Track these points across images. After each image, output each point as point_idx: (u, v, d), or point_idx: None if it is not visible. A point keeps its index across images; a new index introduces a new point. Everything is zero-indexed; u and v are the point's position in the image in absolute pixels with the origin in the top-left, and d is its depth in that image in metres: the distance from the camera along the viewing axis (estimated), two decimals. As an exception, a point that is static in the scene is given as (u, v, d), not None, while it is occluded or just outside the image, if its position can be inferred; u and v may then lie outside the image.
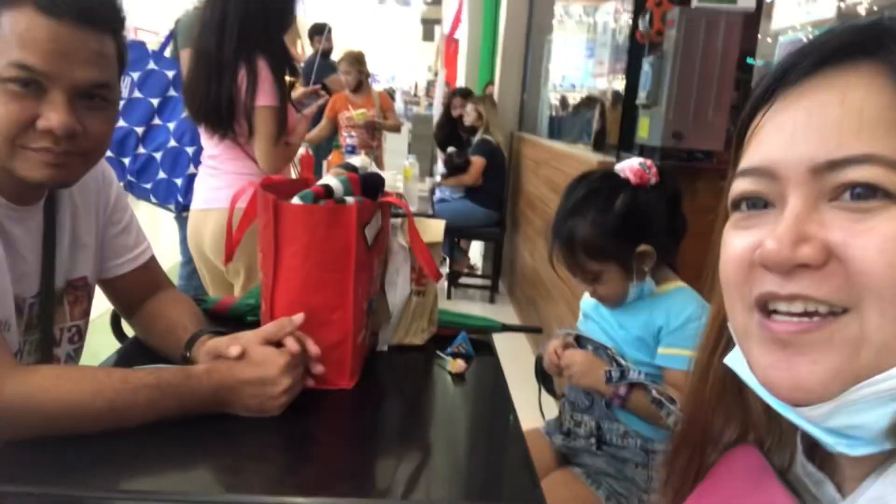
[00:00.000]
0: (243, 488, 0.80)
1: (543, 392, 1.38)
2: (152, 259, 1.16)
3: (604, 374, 1.15)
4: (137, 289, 1.13)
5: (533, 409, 1.35)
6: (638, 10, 2.39)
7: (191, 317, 1.07)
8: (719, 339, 0.52)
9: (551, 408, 1.41)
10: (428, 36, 14.62)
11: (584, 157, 2.80)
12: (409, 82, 15.92)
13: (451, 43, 9.01)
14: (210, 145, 1.93)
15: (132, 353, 1.10)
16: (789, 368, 0.41)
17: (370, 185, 1.07)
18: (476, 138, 4.22)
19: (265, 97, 1.78)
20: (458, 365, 1.12)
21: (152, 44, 2.61)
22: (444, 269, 4.38)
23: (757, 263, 0.42)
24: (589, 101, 3.77)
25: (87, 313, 1.06)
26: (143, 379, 0.85)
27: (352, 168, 1.11)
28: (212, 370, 0.89)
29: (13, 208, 0.90)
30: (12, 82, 0.79)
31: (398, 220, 1.15)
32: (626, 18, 2.87)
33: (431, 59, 13.82)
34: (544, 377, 1.35)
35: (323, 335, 0.98)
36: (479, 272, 4.84)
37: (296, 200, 0.97)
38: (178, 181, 2.41)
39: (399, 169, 3.58)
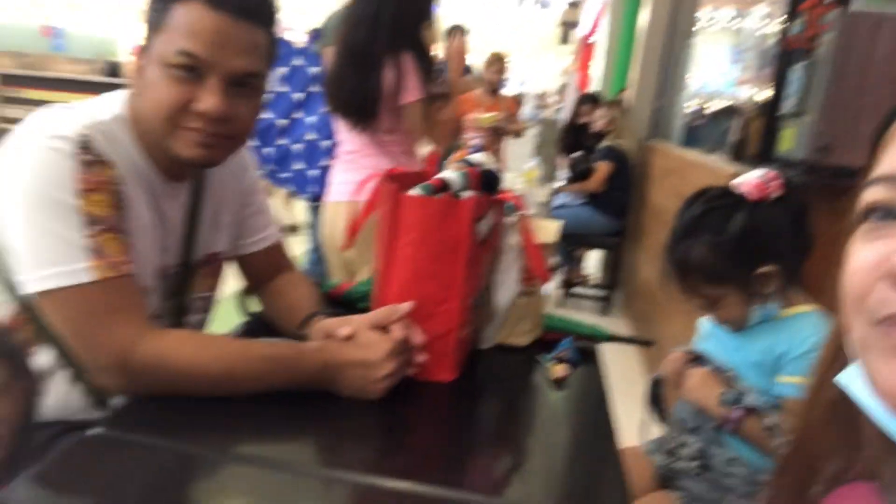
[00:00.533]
0: (341, 465, 0.83)
1: (650, 415, 1.32)
2: (279, 241, 1.24)
3: (719, 394, 1.09)
4: (264, 267, 1.20)
5: (634, 428, 1.30)
6: (790, 14, 2.24)
7: (309, 297, 1.13)
8: (835, 359, 0.49)
9: (655, 433, 1.35)
10: (565, 39, 14.45)
11: (714, 166, 2.66)
12: (541, 86, 15.82)
13: (586, 47, 8.86)
14: (349, 139, 2.02)
15: (254, 328, 1.18)
16: None
17: (488, 181, 1.08)
18: (603, 144, 4.12)
19: (412, 93, 1.85)
20: (559, 371, 1.10)
21: (298, 41, 2.77)
22: (559, 276, 4.32)
23: (885, 276, 0.40)
24: (729, 110, 3.57)
25: (217, 286, 1.15)
26: (260, 350, 0.92)
27: (471, 164, 1.12)
28: (322, 348, 0.94)
29: (166, 184, 0.99)
30: (177, 68, 0.87)
31: (512, 219, 1.15)
32: (775, 23, 2.69)
33: (566, 63, 13.65)
34: (656, 401, 1.30)
35: (429, 326, 1.00)
36: (595, 283, 4.72)
37: (415, 191, 1.00)
38: (314, 172, 2.54)
39: (520, 172, 3.57)
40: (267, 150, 2.52)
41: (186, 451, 0.80)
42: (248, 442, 0.85)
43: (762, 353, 1.10)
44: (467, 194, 1.01)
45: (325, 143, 2.45)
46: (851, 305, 0.44)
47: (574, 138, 4.53)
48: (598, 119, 4.14)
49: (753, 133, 2.95)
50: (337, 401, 0.93)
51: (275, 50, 0.98)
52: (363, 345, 0.93)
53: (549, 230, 1.20)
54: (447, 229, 0.98)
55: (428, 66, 1.92)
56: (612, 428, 0.96)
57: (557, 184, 4.35)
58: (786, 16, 2.36)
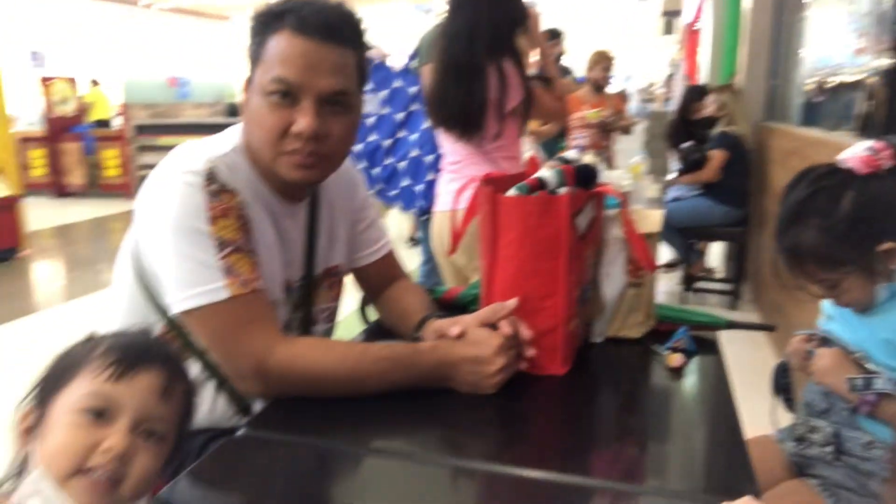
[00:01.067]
0: (463, 455, 0.88)
1: (778, 403, 1.27)
2: (391, 252, 1.31)
3: (847, 380, 1.03)
4: (379, 277, 1.28)
5: (763, 417, 1.25)
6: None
7: (422, 303, 1.20)
8: None
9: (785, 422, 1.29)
10: (668, 29, 13.97)
11: (838, 143, 2.48)
12: (646, 79, 15.35)
13: (691, 34, 8.52)
14: (452, 151, 2.09)
15: (375, 334, 1.26)
16: None
17: (584, 176, 1.09)
18: (715, 131, 3.95)
19: (515, 98, 1.91)
20: (676, 359, 1.09)
21: (396, 65, 2.90)
22: (679, 272, 4.16)
23: None
24: (851, 83, 3.32)
25: (339, 297, 1.24)
26: (379, 352, 0.98)
27: (566, 161, 1.14)
28: (436, 347, 0.99)
29: (285, 205, 1.09)
30: (274, 94, 0.96)
31: (614, 211, 1.16)
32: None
33: (671, 54, 13.17)
34: (784, 387, 1.24)
35: (536, 321, 1.03)
36: (719, 276, 4.51)
37: (511, 192, 1.03)
38: (420, 187, 2.64)
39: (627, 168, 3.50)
40: (375, 171, 2.65)
41: (322, 447, 0.88)
42: (378, 436, 0.92)
43: (893, 330, 1.03)
44: (563, 191, 1.04)
45: (428, 159, 2.54)
46: None
47: (684, 129, 4.38)
48: (708, 106, 3.98)
49: (879, 104, 2.74)
50: (456, 396, 0.98)
51: (365, 68, 1.05)
52: (474, 342, 0.98)
53: (651, 220, 1.19)
54: (546, 226, 1.00)
55: (524, 70, 1.97)
56: (736, 415, 0.94)
57: (670, 176, 4.20)
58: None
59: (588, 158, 1.27)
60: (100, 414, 0.70)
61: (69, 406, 0.71)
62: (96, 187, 8.88)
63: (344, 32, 0.99)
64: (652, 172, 6.54)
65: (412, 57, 2.92)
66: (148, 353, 0.76)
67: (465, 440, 0.93)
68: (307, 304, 1.16)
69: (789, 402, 1.24)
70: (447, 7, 2.02)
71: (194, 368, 1.06)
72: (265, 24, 0.98)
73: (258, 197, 1.05)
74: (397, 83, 2.68)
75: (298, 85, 0.96)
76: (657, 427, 0.96)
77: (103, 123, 9.72)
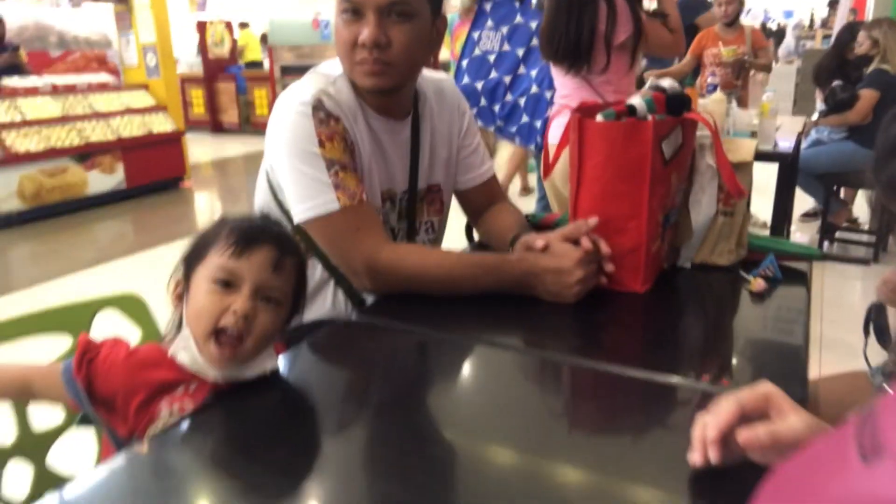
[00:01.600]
0: (552, 349, 1.01)
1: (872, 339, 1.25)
2: (493, 177, 1.42)
3: None
4: (481, 199, 1.40)
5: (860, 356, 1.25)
6: None
7: (518, 223, 1.30)
8: None
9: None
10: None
11: None
12: (805, 13, 13.91)
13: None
14: (562, 84, 2.14)
15: (477, 251, 1.39)
16: None
17: (675, 104, 1.13)
18: (870, 69, 3.62)
19: (624, 31, 1.92)
20: (759, 284, 1.12)
21: None
22: (818, 221, 3.92)
23: None
24: None
25: (440, 212, 1.37)
26: (473, 259, 1.11)
27: (660, 89, 1.17)
28: (522, 258, 1.10)
29: (384, 121, 1.22)
30: (344, 13, 1.09)
31: (707, 140, 1.19)
32: None
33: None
34: (879, 326, 1.23)
35: (619, 241, 1.10)
36: (865, 227, 4.19)
37: (599, 118, 1.10)
38: (538, 123, 2.70)
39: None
40: (495, 107, 2.73)
41: (423, 333, 1.03)
42: (471, 328, 1.05)
43: None
44: (650, 118, 1.08)
45: (547, 94, 2.59)
46: None
47: (838, 69, 4.03)
48: (861, 43, 3.64)
49: None
50: (540, 303, 1.09)
51: None
52: (556, 254, 1.07)
53: (745, 149, 1.20)
54: (630, 151, 1.06)
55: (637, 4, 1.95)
56: (807, 343, 0.97)
57: (813, 117, 3.92)
58: None
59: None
60: (227, 284, 0.86)
61: (204, 277, 0.87)
62: (249, 125, 9.59)
63: None
64: (801, 114, 6.06)
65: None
66: (262, 233, 0.89)
67: (547, 337, 1.04)
68: (411, 215, 1.30)
69: (884, 341, 1.23)
70: None
71: (317, 269, 1.24)
72: None
73: (359, 116, 1.18)
74: (518, 19, 2.72)
75: (360, 2, 1.07)
76: (723, 339, 1.02)
77: (255, 65, 10.40)
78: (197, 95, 9.83)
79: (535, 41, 2.67)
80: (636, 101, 1.12)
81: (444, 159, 1.33)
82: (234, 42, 10.17)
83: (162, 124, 5.91)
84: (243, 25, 11.17)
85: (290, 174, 1.13)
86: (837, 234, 3.99)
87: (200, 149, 8.17)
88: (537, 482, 0.66)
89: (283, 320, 0.91)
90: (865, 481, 0.36)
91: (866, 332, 1.23)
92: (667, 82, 1.19)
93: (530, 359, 0.97)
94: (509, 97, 2.71)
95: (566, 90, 2.11)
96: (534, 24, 2.68)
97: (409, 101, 1.26)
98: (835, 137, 3.66)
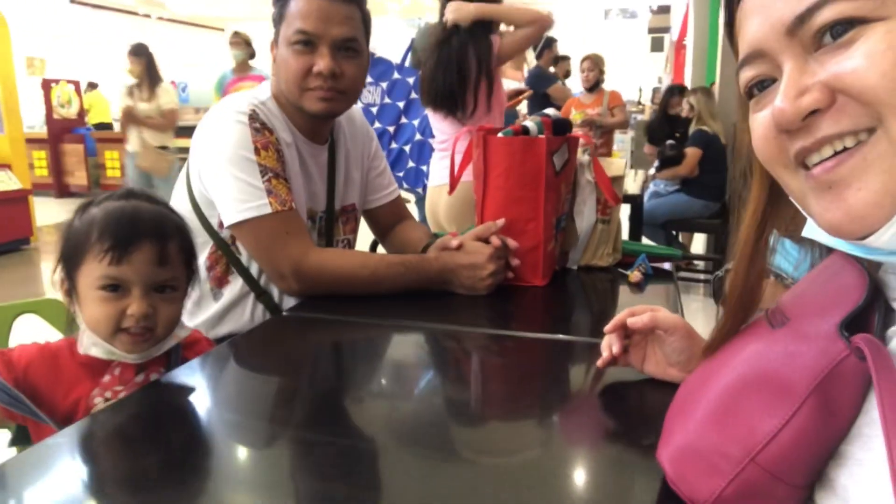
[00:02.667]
0: (463, 324, 1.12)
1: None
2: (399, 197, 1.54)
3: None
4: (389, 216, 1.51)
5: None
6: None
7: (427, 235, 1.43)
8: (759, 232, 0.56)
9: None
10: (656, 46, 14.37)
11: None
12: (634, 92, 15.76)
13: (679, 49, 8.85)
14: (440, 130, 2.34)
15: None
16: (840, 205, 0.43)
17: (559, 126, 1.33)
18: (691, 130, 4.23)
19: (484, 82, 2.16)
20: (636, 276, 1.32)
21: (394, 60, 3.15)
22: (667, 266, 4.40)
23: (779, 128, 0.45)
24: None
25: (354, 230, 1.47)
26: (395, 259, 1.22)
27: (545, 115, 1.38)
28: (438, 256, 1.23)
29: (308, 144, 1.31)
30: (297, 44, 1.19)
31: (585, 159, 1.40)
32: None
33: (659, 70, 13.56)
34: (722, 298, 1.48)
35: (521, 241, 1.26)
36: (701, 266, 4.76)
37: (499, 135, 1.27)
38: (425, 167, 2.89)
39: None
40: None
41: (349, 321, 1.11)
42: (393, 316, 1.13)
43: None
44: (542, 136, 1.27)
45: (431, 141, 2.80)
46: (773, 166, 0.49)
47: (667, 127, 4.66)
48: (683, 107, 4.26)
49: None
50: (455, 297, 1.21)
51: (368, 22, 1.27)
52: (470, 251, 1.21)
53: (616, 166, 1.43)
54: (528, 161, 1.24)
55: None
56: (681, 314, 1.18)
57: (651, 171, 4.48)
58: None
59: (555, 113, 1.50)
60: (115, 288, 0.84)
61: (89, 284, 0.84)
62: (98, 187, 9.05)
63: None
64: (637, 168, 6.81)
65: (407, 52, 3.18)
66: (138, 229, 0.85)
67: (461, 329, 1.16)
68: (329, 234, 1.39)
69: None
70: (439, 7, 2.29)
71: (237, 282, 1.28)
72: None
73: (287, 138, 1.27)
74: (396, 75, 2.94)
75: (316, 34, 1.18)
76: (609, 311, 1.21)
77: (105, 126, 9.92)
78: (39, 157, 9.17)
79: (413, 94, 2.88)
80: (529, 123, 1.31)
81: (357, 181, 1.44)
82: (82, 103, 9.68)
83: (6, 183, 5.48)
84: (92, 86, 10.69)
85: (223, 178, 1.18)
86: (681, 274, 4.50)
87: (45, 211, 7.57)
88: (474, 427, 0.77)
89: (184, 294, 0.93)
90: (774, 336, 0.52)
91: (717, 301, 1.48)
92: (551, 110, 1.40)
93: (456, 333, 1.08)
94: (394, 145, 2.89)
95: (445, 135, 2.32)
96: (411, 80, 2.90)
97: (330, 127, 1.36)
98: (670, 189, 4.20)
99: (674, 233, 4.40)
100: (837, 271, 0.51)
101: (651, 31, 14.58)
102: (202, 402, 0.82)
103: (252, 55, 5.06)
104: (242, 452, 0.69)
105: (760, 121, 0.48)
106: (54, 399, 0.86)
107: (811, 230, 0.49)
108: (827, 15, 0.42)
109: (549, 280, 1.31)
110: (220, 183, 1.19)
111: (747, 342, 0.55)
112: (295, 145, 1.28)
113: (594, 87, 4.69)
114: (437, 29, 2.32)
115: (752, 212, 0.56)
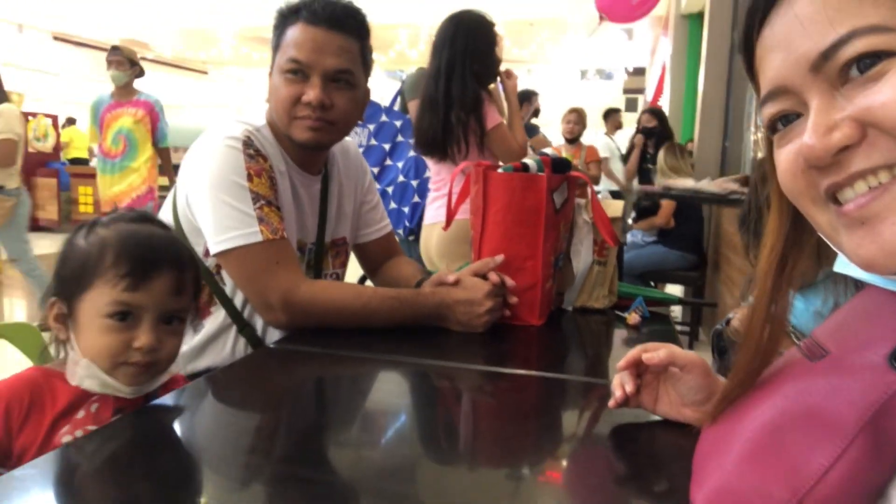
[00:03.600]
0: (457, 361, 1.07)
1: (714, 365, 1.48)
2: (391, 232, 1.51)
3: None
4: (380, 252, 1.48)
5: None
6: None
7: (419, 272, 1.39)
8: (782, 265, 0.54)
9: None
10: (631, 107, 14.80)
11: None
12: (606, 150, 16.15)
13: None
14: (435, 171, 2.34)
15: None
16: (874, 239, 0.42)
17: (559, 165, 1.32)
18: (656, 183, 4.30)
19: (492, 119, 2.17)
20: (634, 318, 1.30)
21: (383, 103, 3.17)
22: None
23: (806, 163, 0.44)
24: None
25: (344, 265, 1.42)
26: (389, 292, 1.18)
27: (545, 154, 1.37)
28: (435, 291, 1.19)
29: (301, 174, 1.28)
30: (288, 73, 1.17)
31: (583, 200, 1.38)
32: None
33: (632, 129, 13.97)
34: (721, 351, 1.45)
35: (518, 278, 1.23)
36: (678, 318, 4.77)
37: (500, 171, 1.25)
38: (406, 209, 2.87)
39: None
40: None
41: (338, 354, 1.06)
42: (384, 351, 1.08)
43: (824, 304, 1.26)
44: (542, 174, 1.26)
45: (413, 183, 2.78)
46: (801, 201, 0.47)
47: (643, 179, 4.76)
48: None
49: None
50: (450, 335, 1.17)
51: (368, 55, 1.25)
52: (467, 287, 1.17)
53: (614, 207, 1.42)
54: (528, 198, 1.22)
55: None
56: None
57: (629, 221, 4.53)
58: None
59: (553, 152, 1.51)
60: (124, 317, 0.79)
61: (96, 312, 0.79)
62: (69, 222, 8.88)
63: (347, 23, 1.19)
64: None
65: (396, 96, 3.20)
66: (158, 256, 0.81)
67: (456, 369, 1.11)
68: (317, 266, 1.34)
69: (724, 367, 1.46)
70: (429, 52, 2.32)
71: (220, 315, 1.23)
72: (285, 18, 1.20)
73: (281, 166, 1.23)
74: (384, 118, 2.94)
75: (308, 64, 1.16)
76: (606, 352, 1.20)
77: (80, 161, 9.80)
78: (10, 190, 8.97)
79: (400, 137, 2.89)
80: (528, 161, 1.30)
81: (349, 214, 1.41)
82: (59, 137, 9.58)
83: (-28, 214, 5.31)
84: (70, 121, 10.60)
85: (212, 204, 1.13)
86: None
87: (11, 246, 7.36)
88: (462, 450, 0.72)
89: (185, 327, 0.88)
90: (815, 370, 0.49)
91: (714, 353, 1.45)
92: (548, 150, 1.39)
93: (449, 370, 1.04)
94: (377, 186, 2.87)
95: (440, 177, 2.31)
96: (398, 123, 2.90)
97: (324, 158, 1.33)
98: (647, 240, 4.24)
99: (652, 284, 4.42)
100: (878, 304, 0.49)
101: (626, 91, 15.05)
102: (170, 440, 0.75)
103: (140, 74, 4.19)
104: (210, 492, 0.63)
105: (787, 155, 0.47)
106: (16, 437, 0.78)
107: (843, 265, 0.48)
108: (853, 50, 0.41)
109: (545, 319, 1.27)
110: (208, 209, 1.15)
111: (785, 376, 0.52)
112: (288, 174, 1.25)
113: (575, 139, 4.79)
114: (425, 75, 2.34)
115: (770, 247, 0.54)
